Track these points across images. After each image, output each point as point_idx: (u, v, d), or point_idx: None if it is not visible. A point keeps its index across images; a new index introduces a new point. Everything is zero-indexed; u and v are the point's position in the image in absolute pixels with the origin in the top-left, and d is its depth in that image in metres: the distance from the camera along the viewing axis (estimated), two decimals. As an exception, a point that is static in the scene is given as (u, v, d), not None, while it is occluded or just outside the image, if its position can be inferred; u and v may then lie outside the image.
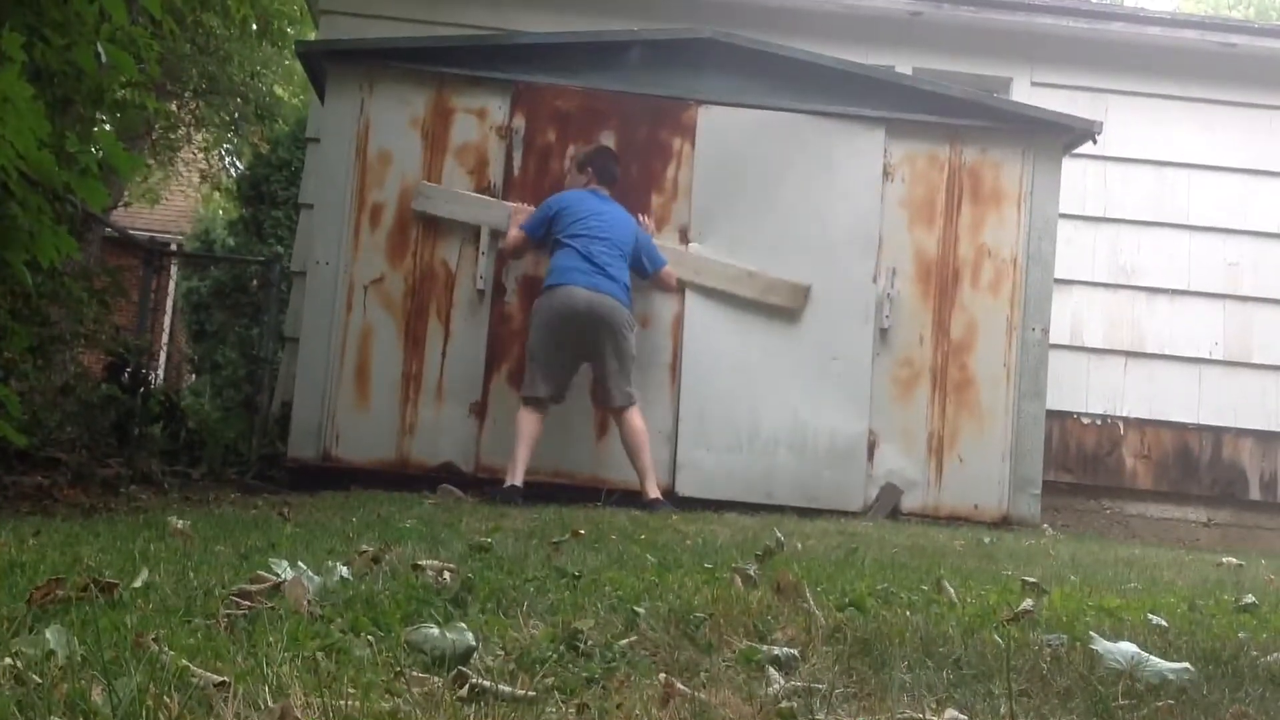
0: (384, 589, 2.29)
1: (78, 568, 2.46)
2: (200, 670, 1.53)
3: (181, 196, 17.62)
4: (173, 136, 14.05)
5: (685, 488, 5.99)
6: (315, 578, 2.26)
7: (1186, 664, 1.95)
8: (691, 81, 6.31)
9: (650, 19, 7.25)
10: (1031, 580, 3.10)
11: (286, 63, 13.63)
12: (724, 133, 6.24)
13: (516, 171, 6.18)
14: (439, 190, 6.13)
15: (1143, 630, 2.43)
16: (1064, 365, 7.23)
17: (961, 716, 1.62)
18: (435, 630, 1.83)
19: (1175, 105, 7.72)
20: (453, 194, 6.13)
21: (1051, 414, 6.77)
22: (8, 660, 1.55)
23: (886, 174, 6.28)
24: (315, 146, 7.21)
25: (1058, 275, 6.54)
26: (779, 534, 3.71)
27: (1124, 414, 7.48)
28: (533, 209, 5.95)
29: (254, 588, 2.16)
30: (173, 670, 1.52)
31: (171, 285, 10.83)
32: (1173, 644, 2.29)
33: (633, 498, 5.57)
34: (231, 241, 11.81)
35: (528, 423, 5.61)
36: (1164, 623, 2.53)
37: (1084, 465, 7.45)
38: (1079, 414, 7.47)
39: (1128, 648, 1.97)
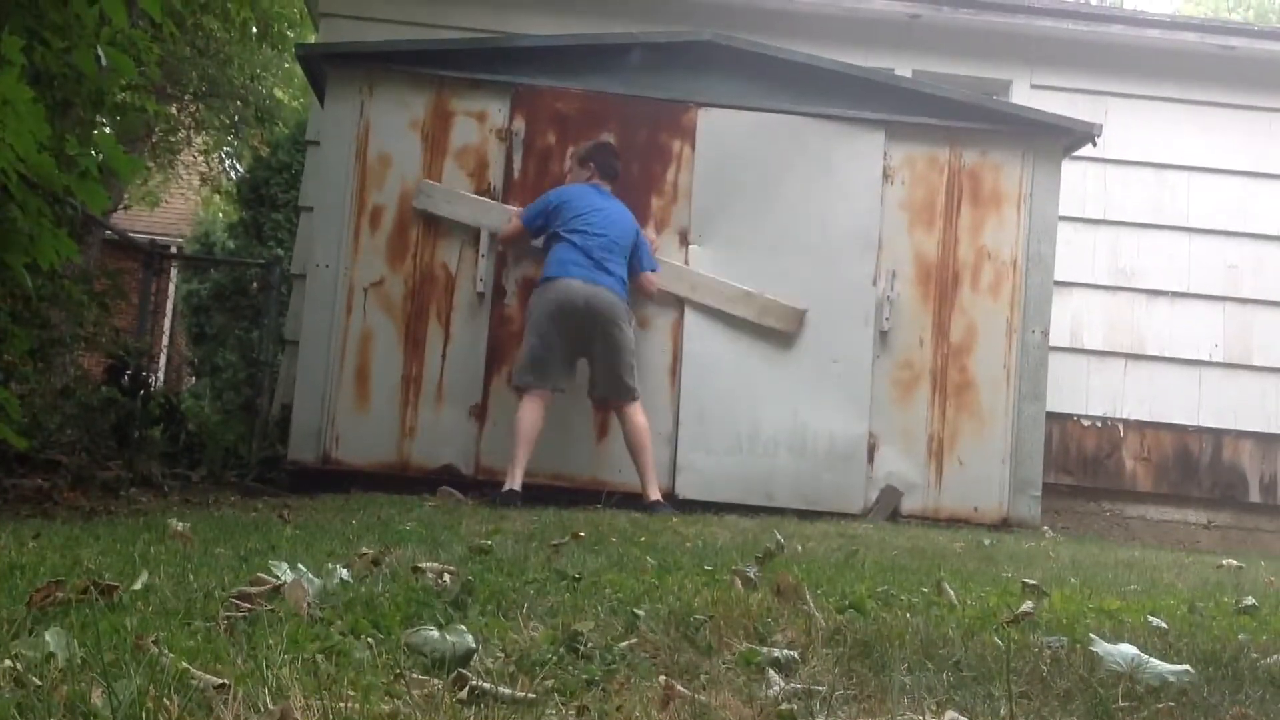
0: (384, 591, 2.29)
1: (78, 570, 2.46)
2: (200, 672, 1.53)
3: (181, 199, 17.62)
4: (173, 139, 14.05)
5: (685, 490, 5.99)
6: (315, 580, 2.26)
7: (1187, 666, 1.94)
8: (691, 84, 6.31)
9: (650, 22, 7.26)
10: (1032, 582, 3.10)
11: (286, 65, 13.63)
12: (724, 135, 6.25)
13: (516, 174, 6.19)
14: (440, 189, 6.14)
15: (1143, 632, 2.43)
16: (1064, 367, 7.23)
17: (961, 718, 1.62)
18: (435, 632, 1.83)
19: (1175, 108, 7.72)
20: (454, 194, 6.14)
21: (1051, 416, 6.77)
22: (8, 662, 1.55)
23: (886, 176, 6.28)
24: (315, 149, 7.22)
25: (1058, 277, 6.54)
26: (779, 536, 3.71)
27: (1124, 416, 7.48)
28: None
29: (254, 590, 2.16)
30: (173, 672, 1.52)
31: (171, 288, 10.82)
32: (1173, 646, 2.29)
33: (633, 500, 5.57)
34: (231, 244, 11.81)
35: (527, 419, 5.59)
36: (1164, 625, 2.53)
37: (1084, 467, 7.45)
38: (1079, 416, 7.46)
39: (1128, 650, 1.96)
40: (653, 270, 5.95)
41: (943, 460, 6.15)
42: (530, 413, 5.61)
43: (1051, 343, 6.43)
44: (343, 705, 1.45)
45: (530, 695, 1.61)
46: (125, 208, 14.68)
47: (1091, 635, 2.12)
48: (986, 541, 4.89)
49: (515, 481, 5.51)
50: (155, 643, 1.69)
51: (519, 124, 6.22)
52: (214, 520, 4.07)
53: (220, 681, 1.50)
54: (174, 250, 12.64)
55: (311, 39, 9.28)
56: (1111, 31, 7.72)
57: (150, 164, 13.63)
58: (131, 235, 10.46)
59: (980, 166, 6.34)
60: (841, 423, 6.11)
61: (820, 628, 2.17)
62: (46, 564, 2.55)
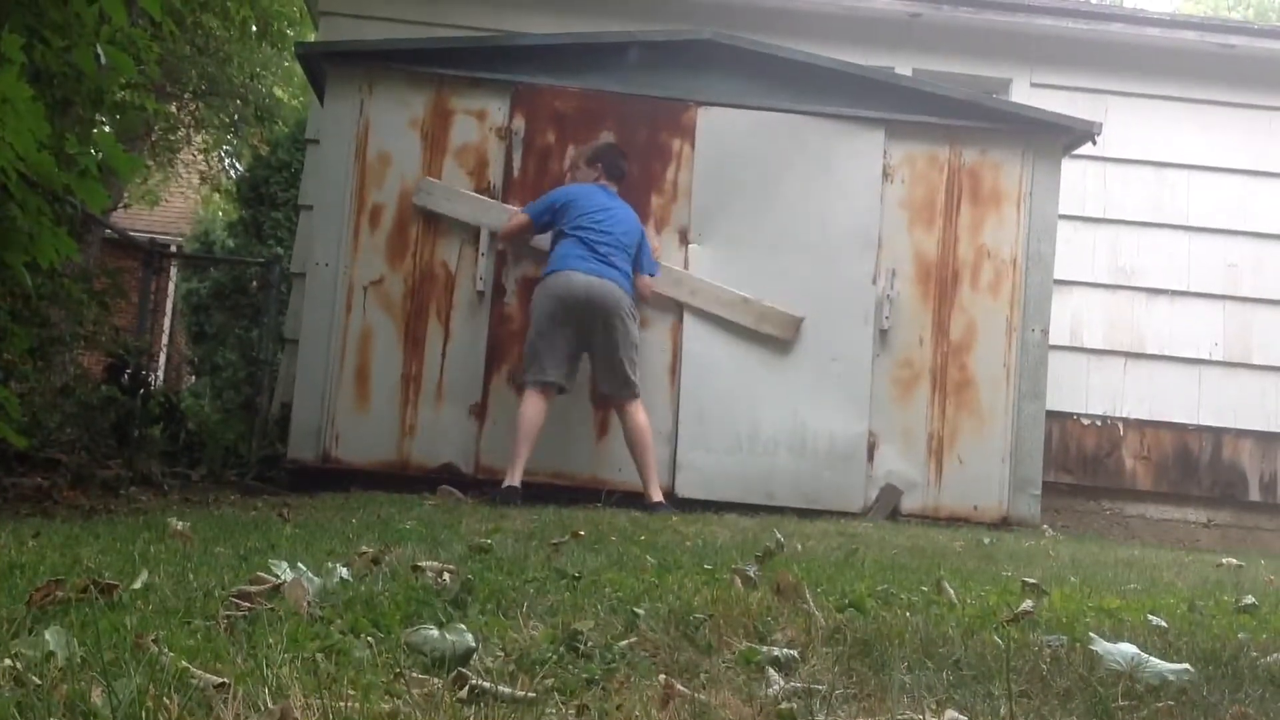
0: (384, 590, 2.29)
1: (77, 569, 2.46)
2: (200, 671, 1.53)
3: (181, 198, 17.62)
4: (172, 138, 14.04)
5: (685, 489, 5.99)
6: (315, 579, 2.26)
7: (1186, 665, 1.94)
8: (691, 83, 6.31)
9: (650, 20, 7.25)
10: (1031, 581, 3.10)
11: (286, 64, 13.62)
12: (723, 134, 6.24)
13: (516, 173, 6.18)
14: (441, 186, 6.13)
15: (1143, 631, 2.43)
16: (1064, 366, 7.23)
17: (961, 717, 1.62)
18: (435, 631, 1.83)
19: (1175, 106, 7.72)
20: (454, 191, 6.14)
21: (1051, 415, 6.77)
22: (7, 661, 1.55)
23: (886, 175, 6.28)
24: (315, 148, 7.21)
25: (1057, 276, 6.54)
26: (779, 535, 3.71)
27: (1124, 415, 7.48)
28: None
29: (254, 589, 2.16)
30: (172, 671, 1.52)
31: (171, 287, 10.81)
32: (1173, 645, 2.29)
33: (633, 499, 5.57)
34: (231, 243, 11.81)
35: (529, 415, 5.58)
36: (1164, 624, 2.53)
37: (1084, 466, 7.45)
38: (1079, 415, 7.47)
39: (1128, 649, 1.96)
40: (652, 274, 5.94)
41: (942, 459, 6.15)
42: (532, 409, 5.60)
43: (1051, 341, 6.43)
44: (343, 704, 1.45)
45: (530, 694, 1.61)
46: (125, 206, 14.67)
47: (1091, 634, 2.12)
48: (986, 540, 4.89)
49: (515, 478, 5.51)
50: (155, 642, 1.69)
51: (519, 122, 6.21)
52: (214, 519, 4.07)
53: (220, 680, 1.50)
54: (174, 249, 12.63)
55: (311, 37, 9.28)
56: (1111, 30, 7.72)
57: (150, 162, 13.63)
58: (131, 234, 10.45)
59: (980, 165, 6.33)
60: (841, 421, 6.11)
61: (820, 626, 2.17)
62: (46, 563, 2.55)
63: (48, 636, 1.64)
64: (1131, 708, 1.75)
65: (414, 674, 1.67)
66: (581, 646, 1.89)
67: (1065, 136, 6.45)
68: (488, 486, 5.70)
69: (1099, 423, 7.48)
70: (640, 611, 2.17)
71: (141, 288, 8.20)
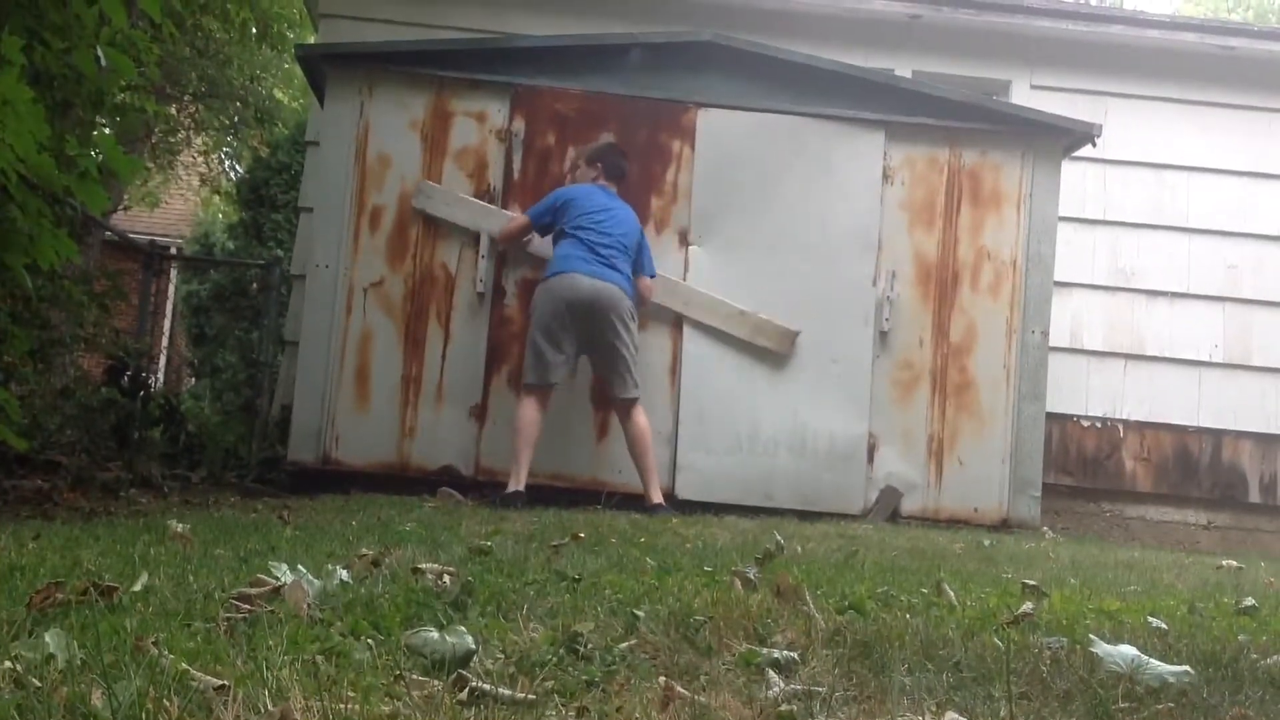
0: (384, 592, 2.29)
1: (77, 571, 2.46)
2: (200, 674, 1.53)
3: (181, 200, 17.62)
4: (172, 140, 14.05)
5: (685, 490, 5.99)
6: (315, 581, 2.26)
7: (1186, 667, 1.94)
8: (691, 84, 6.32)
9: (649, 22, 7.26)
10: (1031, 583, 3.10)
11: (286, 66, 13.63)
12: (723, 135, 6.25)
13: (516, 175, 6.19)
14: (440, 190, 6.14)
15: (1143, 633, 2.43)
16: (1064, 368, 7.24)
17: (961, 719, 1.62)
18: (435, 633, 1.83)
19: (1174, 108, 7.72)
20: (453, 196, 6.14)
21: (1051, 416, 6.77)
22: (7, 664, 1.55)
23: (886, 176, 6.28)
24: (315, 150, 7.21)
25: (1057, 278, 6.54)
26: (779, 537, 3.71)
27: (1124, 416, 7.48)
28: None
29: (254, 591, 2.16)
30: (173, 674, 1.52)
31: (171, 289, 10.83)
32: (1173, 647, 2.29)
33: (633, 501, 5.57)
34: (231, 245, 11.81)
35: (529, 418, 5.59)
36: (1164, 625, 2.53)
37: (1084, 468, 7.45)
38: (1079, 417, 7.46)
39: (1128, 650, 1.97)
40: (652, 276, 5.94)
41: (942, 461, 6.15)
42: (531, 412, 5.60)
43: (1051, 343, 6.43)
44: (343, 706, 1.45)
45: (530, 696, 1.61)
46: (125, 208, 14.68)
47: (1091, 636, 2.12)
48: (986, 542, 4.89)
49: (519, 483, 5.50)
50: (155, 644, 1.69)
51: (518, 124, 6.22)
52: (214, 521, 4.07)
53: (220, 683, 1.50)
54: (174, 251, 12.65)
55: (311, 40, 9.28)
56: (1111, 32, 7.72)
57: (150, 164, 13.63)
58: (131, 236, 10.46)
59: (980, 167, 6.34)
60: (841, 423, 6.11)
61: (820, 629, 2.17)
62: (46, 565, 2.55)
63: (48, 639, 1.64)
64: (1132, 710, 1.75)
65: (414, 676, 1.67)
66: (581, 649, 1.89)
67: (1065, 138, 6.45)
68: (488, 488, 5.70)
69: (1099, 424, 7.48)
70: (640, 614, 2.17)
71: (141, 290, 8.20)
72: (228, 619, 1.96)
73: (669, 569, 2.98)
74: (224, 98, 12.90)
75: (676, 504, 5.76)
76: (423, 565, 2.64)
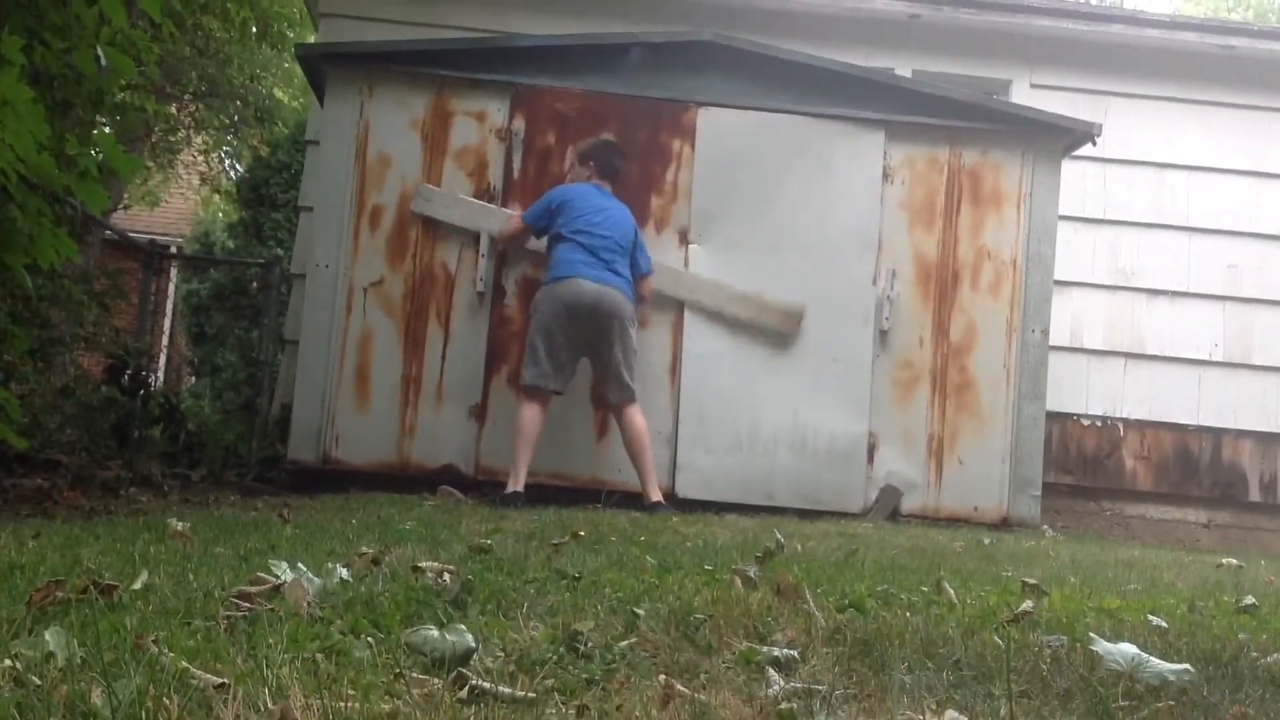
0: (384, 591, 2.29)
1: (78, 570, 2.46)
2: (200, 672, 1.53)
3: (181, 199, 17.61)
4: (172, 139, 14.04)
5: (685, 489, 5.99)
6: (315, 579, 2.26)
7: (1186, 665, 1.94)
8: (691, 84, 6.31)
9: (650, 21, 7.26)
10: (1031, 581, 3.09)
11: (286, 65, 13.63)
12: (724, 135, 6.25)
13: (516, 174, 6.19)
14: (438, 193, 6.14)
15: (1143, 631, 2.43)
16: (1064, 367, 7.23)
17: (961, 718, 1.62)
18: (435, 632, 1.83)
19: (1175, 107, 7.72)
20: (453, 197, 6.14)
21: (1051, 416, 6.77)
22: (7, 662, 1.55)
23: (886, 176, 6.28)
24: (315, 149, 7.21)
25: (1058, 277, 6.54)
26: (779, 535, 3.71)
27: (1124, 415, 7.48)
28: None
29: (254, 589, 2.16)
30: (172, 672, 1.52)
31: (171, 288, 10.82)
32: (1173, 645, 2.29)
33: (633, 499, 5.57)
34: (231, 244, 11.82)
35: (529, 419, 5.59)
36: (1164, 624, 2.53)
37: (1084, 467, 7.45)
38: (1079, 415, 7.47)
39: (1128, 649, 1.96)
40: (649, 272, 5.93)
41: (942, 460, 6.15)
42: (531, 413, 5.60)
43: (1051, 342, 6.43)
44: (343, 705, 1.45)
45: (530, 694, 1.61)
46: (125, 207, 14.68)
47: (1091, 634, 2.12)
48: (986, 541, 4.89)
49: (518, 483, 5.51)
50: (155, 642, 1.69)
51: (519, 124, 6.21)
52: (214, 520, 4.07)
53: (220, 681, 1.50)
54: (174, 250, 12.64)
55: (311, 39, 9.28)
56: (1111, 31, 7.72)
57: (150, 164, 13.63)
58: (131, 235, 10.45)
59: (980, 166, 6.34)
60: (841, 422, 6.11)
61: (820, 627, 2.17)
62: (46, 564, 2.55)
63: (48, 637, 1.64)
64: (1132, 708, 1.75)
65: (414, 674, 1.67)
66: (581, 647, 1.89)
67: (1065, 137, 6.45)
68: (488, 487, 5.70)
69: (1099, 423, 7.48)
70: (640, 612, 2.17)
71: (142, 289, 8.20)
72: (228, 617, 1.96)
73: (669, 567, 2.98)
74: (224, 97, 12.90)
75: (677, 503, 5.76)
76: (423, 563, 2.64)
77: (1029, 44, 7.73)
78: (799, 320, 6.13)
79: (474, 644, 1.80)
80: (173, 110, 12.91)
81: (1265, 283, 7.61)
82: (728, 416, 6.08)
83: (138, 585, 2.22)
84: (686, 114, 6.25)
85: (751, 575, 2.70)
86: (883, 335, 6.19)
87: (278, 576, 2.24)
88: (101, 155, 4.38)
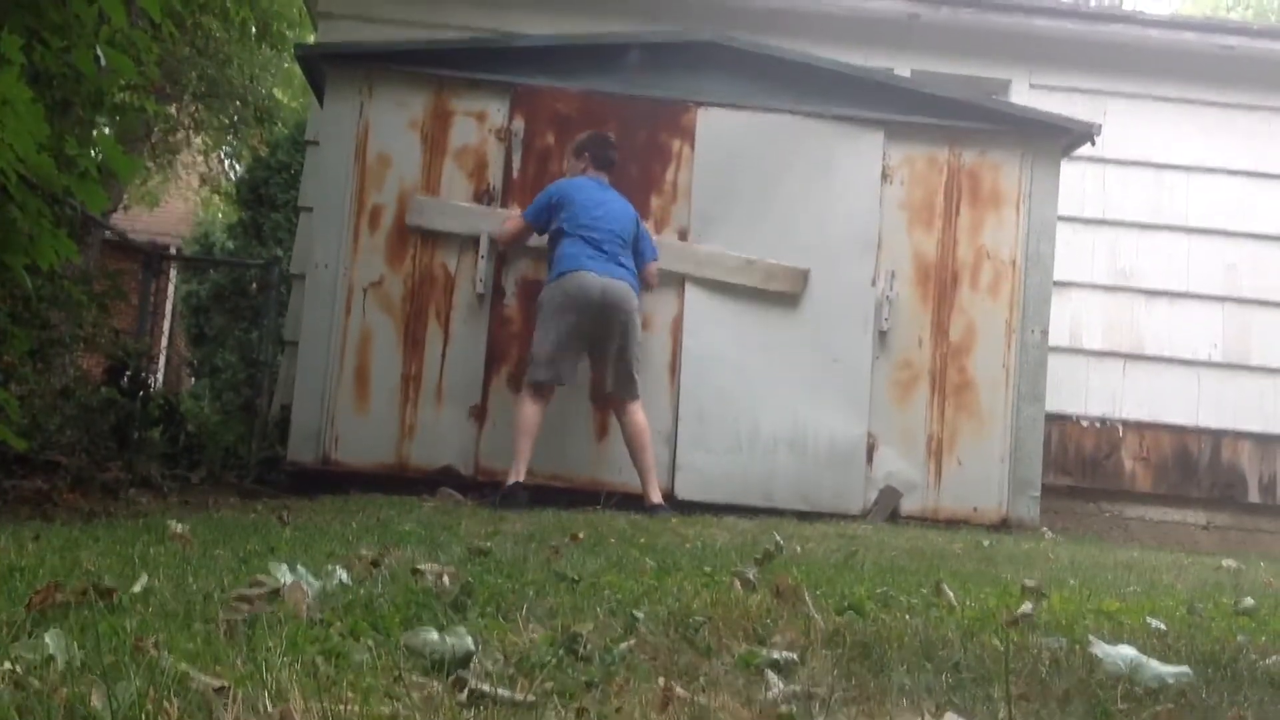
0: (383, 593, 2.29)
1: (77, 572, 2.46)
2: (200, 675, 1.53)
3: (181, 200, 17.59)
4: (172, 139, 14.02)
5: (684, 490, 5.99)
6: (314, 582, 2.26)
7: (1186, 667, 1.95)
8: (691, 84, 6.31)
9: (649, 21, 7.26)
10: (1031, 583, 3.09)
11: (286, 66, 13.61)
12: (723, 135, 6.25)
13: (516, 174, 6.19)
14: (432, 203, 6.13)
15: (1142, 633, 2.43)
16: (1063, 368, 7.23)
17: (960, 720, 1.62)
18: (434, 634, 1.83)
19: (1174, 107, 7.73)
20: (447, 205, 6.13)
21: (1050, 417, 6.77)
22: (7, 665, 1.55)
23: (885, 176, 6.28)
24: (314, 149, 7.21)
25: (1057, 278, 6.54)
26: (778, 537, 3.71)
27: (1123, 417, 7.49)
28: None
29: (253, 592, 2.16)
30: (172, 675, 1.52)
31: (171, 289, 10.82)
32: (1172, 647, 2.29)
33: (632, 501, 5.57)
34: (231, 245, 11.82)
35: (530, 412, 5.59)
36: (1163, 626, 2.53)
37: (1083, 468, 7.45)
38: (1078, 417, 7.47)
39: (1127, 651, 1.97)
40: (654, 259, 5.94)
41: (942, 461, 6.16)
42: (532, 407, 5.60)
43: (1050, 343, 6.42)
44: (342, 707, 1.45)
45: (529, 697, 1.61)
46: (125, 208, 14.65)
47: (1090, 636, 2.12)
48: (985, 542, 4.89)
49: (519, 474, 5.50)
50: (155, 645, 1.69)
51: (518, 124, 6.21)
52: (213, 522, 4.07)
53: (220, 684, 1.50)
54: (173, 251, 12.63)
55: (310, 39, 9.28)
56: (1110, 31, 7.72)
57: (149, 164, 13.62)
58: (131, 236, 10.45)
59: (979, 166, 6.34)
60: (841, 423, 6.11)
61: (819, 629, 2.17)
62: (46, 566, 2.54)
63: (47, 640, 1.64)
64: (1131, 710, 1.75)
65: (413, 677, 1.67)
66: (581, 649, 1.89)
67: (1064, 138, 6.45)
68: (487, 488, 5.70)
69: (1098, 424, 7.48)
70: (639, 614, 2.18)
71: (141, 290, 8.20)
72: (227, 620, 1.96)
73: (668, 569, 2.98)
74: (224, 97, 12.88)
75: (676, 504, 5.75)
76: (422, 566, 2.64)
77: (1028, 44, 7.73)
78: (804, 279, 6.13)
79: (473, 646, 1.80)
80: (172, 110, 12.90)
81: (1264, 283, 7.61)
82: (727, 417, 6.08)
83: (137, 588, 2.22)
84: (686, 114, 6.25)
85: (751, 577, 2.70)
86: (882, 336, 6.19)
87: (277, 579, 2.24)
88: (101, 156, 4.38)
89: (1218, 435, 7.50)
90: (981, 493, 6.15)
